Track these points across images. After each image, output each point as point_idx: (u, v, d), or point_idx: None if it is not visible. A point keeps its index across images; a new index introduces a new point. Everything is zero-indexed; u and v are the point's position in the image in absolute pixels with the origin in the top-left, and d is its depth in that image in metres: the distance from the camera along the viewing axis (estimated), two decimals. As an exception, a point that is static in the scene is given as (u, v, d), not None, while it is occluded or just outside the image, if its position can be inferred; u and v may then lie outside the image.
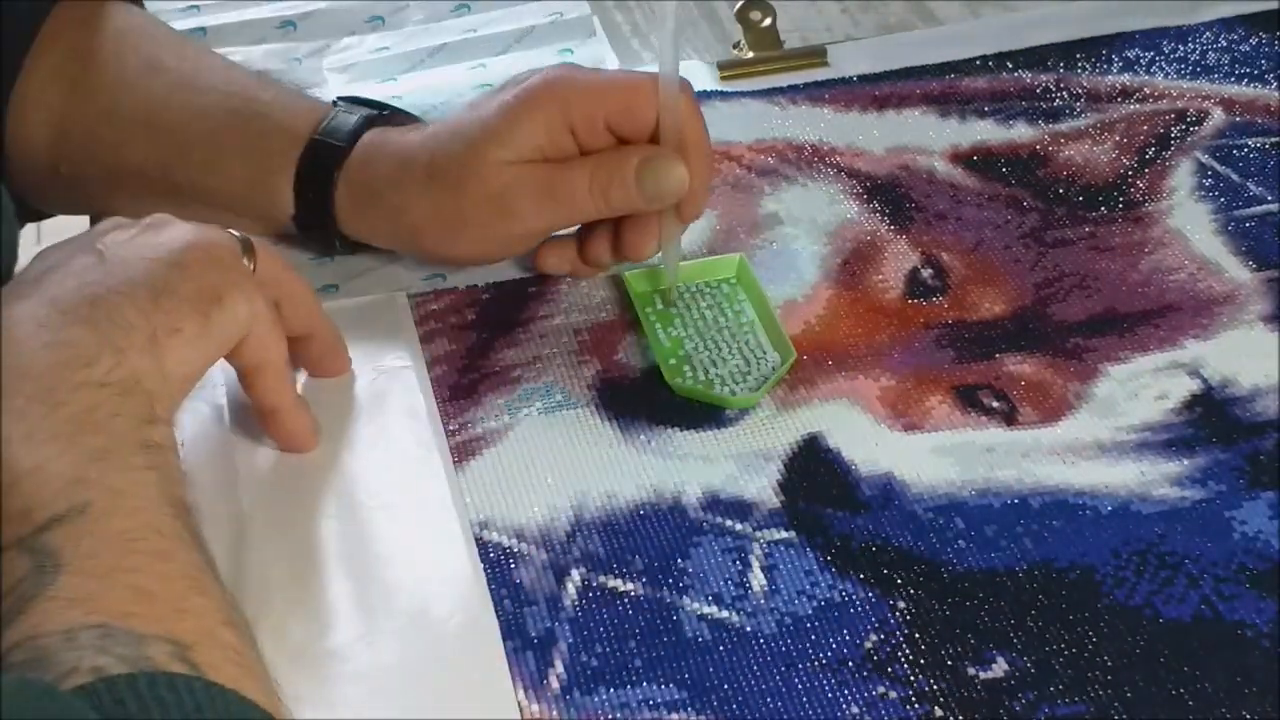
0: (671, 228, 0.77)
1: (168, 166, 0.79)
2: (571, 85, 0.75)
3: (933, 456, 0.71)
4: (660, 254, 0.78)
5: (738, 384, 0.75)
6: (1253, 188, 0.87)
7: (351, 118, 0.78)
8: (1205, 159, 0.89)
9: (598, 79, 0.76)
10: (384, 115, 0.80)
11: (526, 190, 0.75)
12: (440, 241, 0.77)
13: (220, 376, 0.73)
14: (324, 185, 0.77)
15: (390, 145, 0.77)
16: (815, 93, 0.95)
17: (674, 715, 0.61)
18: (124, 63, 0.81)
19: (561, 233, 0.80)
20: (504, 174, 0.75)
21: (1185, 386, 0.75)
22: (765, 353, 0.76)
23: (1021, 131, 0.92)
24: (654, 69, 0.74)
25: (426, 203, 0.76)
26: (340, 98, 0.82)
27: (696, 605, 0.65)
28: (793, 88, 0.95)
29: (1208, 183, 0.87)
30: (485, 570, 0.66)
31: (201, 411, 0.73)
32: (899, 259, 0.82)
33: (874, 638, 0.63)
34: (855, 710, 0.60)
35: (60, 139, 0.80)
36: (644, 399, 0.74)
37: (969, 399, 0.74)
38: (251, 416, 0.71)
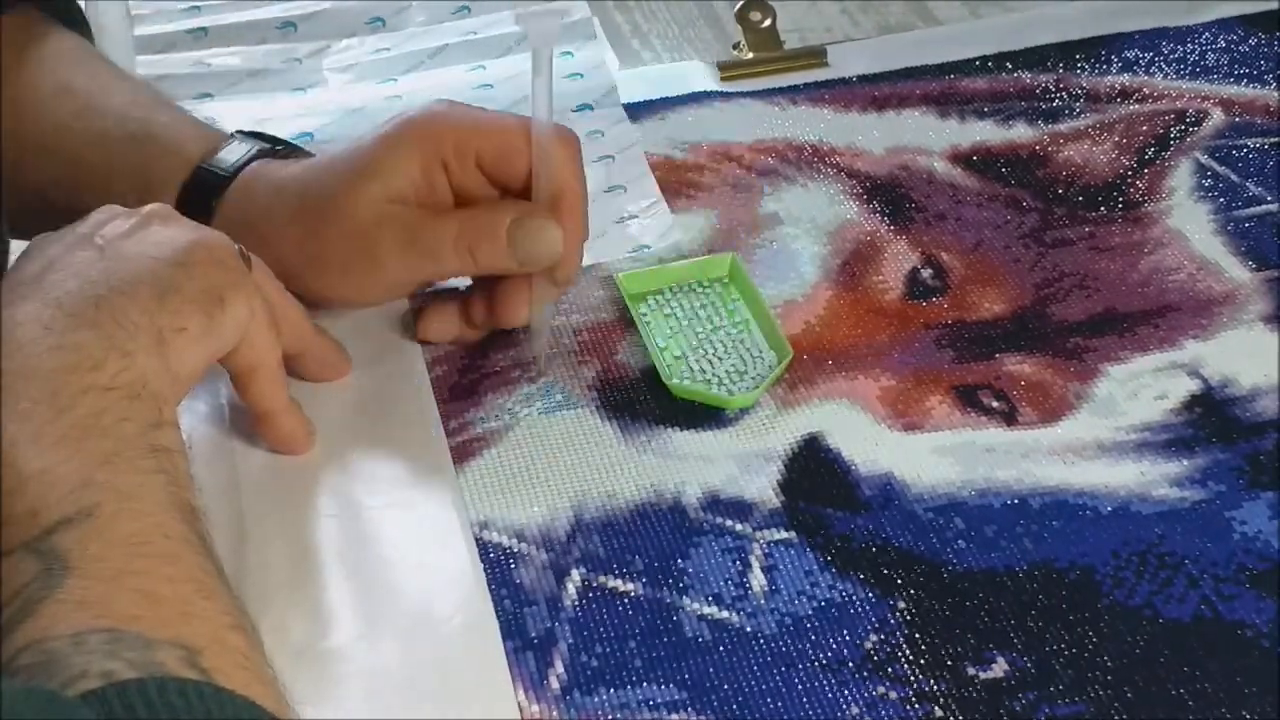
0: (544, 291, 0.74)
1: (69, 191, 0.77)
2: (445, 120, 0.73)
3: (933, 456, 0.71)
4: (532, 318, 0.75)
5: (735, 383, 0.74)
6: (1252, 188, 0.87)
7: (242, 148, 0.77)
8: (1205, 159, 0.89)
9: (474, 115, 0.74)
10: (277, 150, 0.78)
11: (391, 235, 0.73)
12: (304, 278, 0.74)
13: (221, 376, 0.73)
14: (203, 213, 0.74)
15: (268, 176, 0.76)
16: (815, 93, 0.95)
17: (674, 715, 0.61)
18: (37, 86, 0.80)
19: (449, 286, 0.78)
20: (371, 212, 0.72)
21: (1185, 386, 0.75)
22: (762, 352, 0.76)
23: (1021, 131, 0.92)
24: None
25: (293, 235, 0.74)
26: (239, 131, 0.79)
27: (696, 605, 0.65)
28: (793, 88, 0.96)
29: (1207, 183, 0.87)
30: (485, 570, 0.66)
31: (201, 411, 0.73)
32: (899, 259, 0.83)
33: (874, 638, 0.63)
34: (855, 710, 0.60)
35: None
36: (644, 399, 0.74)
37: (969, 399, 0.74)
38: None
